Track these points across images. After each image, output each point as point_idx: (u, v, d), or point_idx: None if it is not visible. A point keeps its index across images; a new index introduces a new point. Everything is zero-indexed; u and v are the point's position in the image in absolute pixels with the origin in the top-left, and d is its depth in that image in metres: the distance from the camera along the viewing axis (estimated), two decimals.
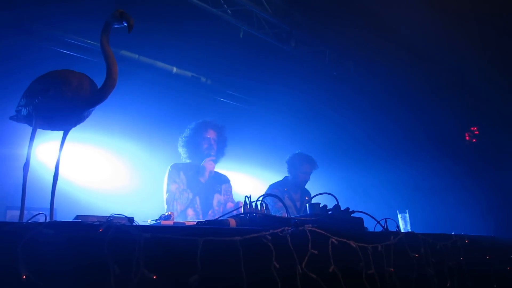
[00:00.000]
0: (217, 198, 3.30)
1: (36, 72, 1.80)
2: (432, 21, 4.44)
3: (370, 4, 4.17)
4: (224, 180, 3.49)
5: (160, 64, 4.81)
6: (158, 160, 5.53)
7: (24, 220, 1.55)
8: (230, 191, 3.49)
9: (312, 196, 2.00)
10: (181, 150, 3.39)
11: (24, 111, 1.62)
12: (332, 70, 5.53)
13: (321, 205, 1.89)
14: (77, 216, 1.45)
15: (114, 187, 5.73)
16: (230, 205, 3.34)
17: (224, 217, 1.49)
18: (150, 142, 6.17)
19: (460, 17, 4.40)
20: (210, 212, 3.18)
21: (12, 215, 5.15)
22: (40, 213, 1.56)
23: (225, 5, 4.21)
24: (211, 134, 3.36)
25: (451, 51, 5.03)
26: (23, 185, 1.54)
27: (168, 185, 3.14)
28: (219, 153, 3.40)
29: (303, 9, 4.70)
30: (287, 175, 4.43)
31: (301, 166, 4.29)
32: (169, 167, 3.24)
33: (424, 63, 5.28)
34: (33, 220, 1.61)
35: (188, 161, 3.37)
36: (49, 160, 5.16)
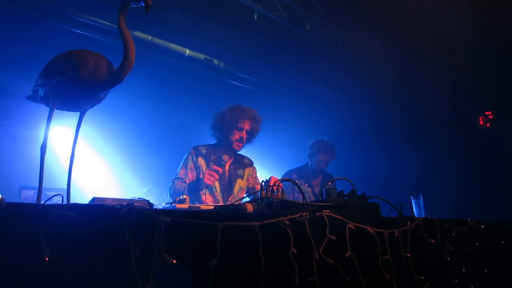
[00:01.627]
0: (238, 184, 3.18)
1: (50, 52, 1.79)
2: (451, 3, 4.30)
3: None
4: (248, 164, 3.35)
5: (173, 46, 4.78)
6: (168, 143, 5.56)
7: (42, 201, 1.56)
8: (255, 175, 3.37)
9: (329, 180, 1.98)
10: (211, 128, 3.27)
11: (41, 91, 1.61)
12: (347, 54, 5.44)
13: (337, 191, 1.87)
14: (94, 199, 1.46)
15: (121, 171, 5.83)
16: (259, 188, 3.27)
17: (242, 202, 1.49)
18: (160, 124, 6.20)
19: (478, 5, 4.27)
20: (230, 198, 3.10)
21: (27, 195, 5.27)
22: (57, 194, 1.57)
23: None
24: (246, 126, 3.18)
25: (469, 35, 4.89)
26: (40, 166, 1.55)
27: (179, 167, 3.09)
28: (246, 144, 3.29)
29: None
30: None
31: (317, 154, 4.31)
32: (190, 149, 3.15)
33: (440, 47, 5.15)
34: (50, 201, 1.63)
35: (213, 141, 3.28)
36: (56, 141, 5.26)
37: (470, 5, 4.34)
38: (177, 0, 4.18)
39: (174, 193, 2.93)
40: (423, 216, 2.51)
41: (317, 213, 1.41)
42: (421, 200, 2.85)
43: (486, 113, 6.24)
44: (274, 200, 1.47)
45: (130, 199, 1.08)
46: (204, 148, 3.17)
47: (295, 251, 1.26)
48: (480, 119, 6.27)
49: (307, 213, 1.36)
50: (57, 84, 1.50)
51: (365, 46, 5.48)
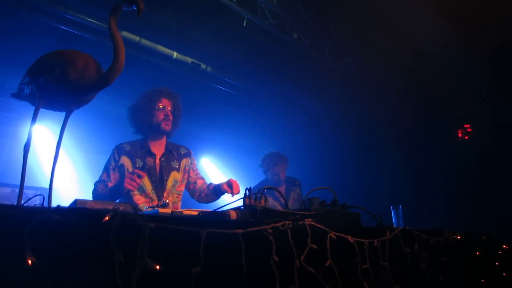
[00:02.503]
0: (173, 176, 2.86)
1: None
2: (435, 21, 4.43)
3: (374, 1, 4.15)
4: (185, 154, 3.02)
5: (160, 48, 4.76)
6: None
7: (23, 201, 1.54)
8: (195, 166, 3.05)
9: (311, 190, 2.01)
10: (130, 123, 2.93)
11: (27, 90, 1.60)
12: (332, 63, 5.53)
13: (319, 200, 1.90)
14: (75, 201, 1.45)
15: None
16: (201, 183, 3.00)
17: (225, 208, 1.50)
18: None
19: (462, 20, 4.41)
20: (165, 194, 2.76)
21: (3, 192, 5.14)
22: (39, 195, 1.56)
23: None
24: (166, 103, 2.89)
25: (451, 49, 5.04)
26: (23, 166, 1.53)
27: (102, 169, 2.78)
28: (174, 126, 2.95)
29: (307, 2, 4.68)
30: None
31: (271, 169, 4.38)
32: (113, 148, 2.82)
33: (422, 61, 5.29)
34: (31, 201, 1.61)
35: (137, 137, 2.94)
36: (34, 139, 5.17)
37: (452, 21, 4.48)
38: (167, 2, 4.18)
39: (96, 197, 2.63)
40: (402, 226, 2.58)
41: (300, 222, 1.43)
42: (400, 211, 2.90)
43: (465, 126, 6.41)
44: (258, 208, 1.49)
45: (115, 203, 1.08)
46: (128, 145, 2.84)
47: (276, 259, 1.28)
48: (459, 131, 6.44)
49: (290, 222, 1.38)
50: (44, 83, 1.49)
51: (350, 57, 5.58)
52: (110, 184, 2.67)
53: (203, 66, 5.24)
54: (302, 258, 1.38)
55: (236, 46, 5.07)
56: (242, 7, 4.35)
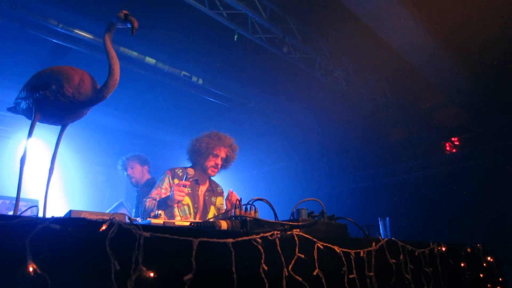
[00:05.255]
0: (212, 211, 3.20)
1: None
2: (423, 36, 4.57)
3: (363, 17, 4.27)
4: (220, 193, 3.36)
5: (152, 61, 4.83)
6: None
7: (19, 211, 1.57)
8: (224, 206, 3.31)
9: (300, 201, 2.06)
10: (188, 153, 3.26)
11: (23, 104, 1.64)
12: (322, 77, 5.64)
13: (308, 211, 1.96)
14: (70, 212, 1.48)
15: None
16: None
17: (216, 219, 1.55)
18: (135, 136, 6.17)
19: (451, 36, 4.56)
20: None
21: None
22: (33, 206, 1.59)
23: (221, 8, 4.26)
24: (222, 153, 3.19)
25: (439, 67, 5.18)
26: (19, 178, 1.57)
27: (154, 188, 3.07)
28: (221, 170, 3.28)
29: (297, 17, 4.80)
30: None
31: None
32: (167, 171, 3.15)
33: (410, 75, 5.43)
34: (25, 212, 1.64)
35: (188, 165, 3.27)
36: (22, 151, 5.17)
37: (441, 37, 4.62)
38: (160, 17, 4.26)
39: (144, 212, 2.90)
40: (389, 237, 2.64)
41: (288, 232, 1.49)
42: (388, 222, 2.96)
43: (453, 139, 6.53)
44: (248, 218, 1.54)
45: (110, 213, 1.12)
46: (181, 170, 3.18)
47: (266, 267, 1.33)
48: (447, 144, 6.56)
49: (279, 232, 1.44)
50: (41, 98, 1.53)
51: (340, 71, 5.70)
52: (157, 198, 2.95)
53: (194, 78, 5.32)
54: (290, 267, 1.43)
55: (228, 59, 5.15)
56: (233, 22, 4.45)
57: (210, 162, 3.14)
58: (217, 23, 4.37)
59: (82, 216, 1.37)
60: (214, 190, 3.27)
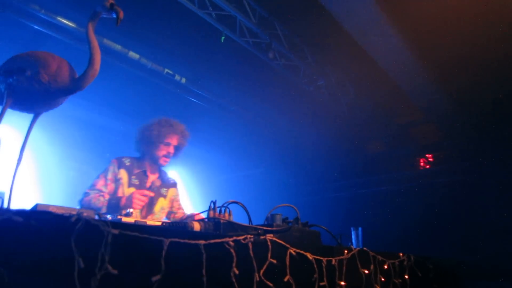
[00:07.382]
0: (161, 203, 2.96)
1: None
2: (404, 52, 4.67)
3: (350, 30, 4.33)
4: (172, 184, 3.12)
5: (135, 56, 4.75)
6: (118, 152, 5.43)
7: None
8: (178, 198, 3.14)
9: (275, 206, 2.05)
10: (136, 142, 3.01)
11: None
12: (306, 85, 5.68)
13: (282, 216, 1.95)
14: (36, 205, 1.42)
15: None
16: (181, 214, 3.07)
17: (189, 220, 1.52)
18: (111, 132, 6.03)
19: (432, 55, 4.68)
20: (149, 217, 2.82)
21: None
22: None
23: (210, 8, 4.23)
24: (174, 141, 2.98)
25: (419, 84, 5.30)
26: None
27: (97, 177, 2.80)
28: (173, 159, 3.06)
29: (285, 24, 4.82)
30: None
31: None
32: (113, 159, 2.90)
33: (390, 89, 5.53)
34: None
35: (137, 155, 3.03)
36: None
37: (422, 56, 4.74)
38: (147, 11, 4.20)
39: (90, 206, 2.63)
40: (361, 247, 2.66)
41: (261, 237, 1.47)
42: (360, 232, 2.98)
43: (427, 155, 6.68)
44: (221, 221, 1.51)
45: (77, 208, 1.08)
46: (128, 159, 2.92)
47: (237, 272, 1.30)
48: (421, 160, 6.71)
49: (252, 236, 1.42)
50: (14, 84, 1.47)
51: (324, 81, 5.76)
52: (106, 195, 2.70)
53: (177, 77, 5.26)
54: (261, 272, 1.41)
55: (213, 60, 5.12)
56: (221, 23, 4.43)
57: (162, 151, 2.91)
58: (205, 23, 4.34)
59: (49, 210, 1.31)
60: (164, 180, 3.05)
